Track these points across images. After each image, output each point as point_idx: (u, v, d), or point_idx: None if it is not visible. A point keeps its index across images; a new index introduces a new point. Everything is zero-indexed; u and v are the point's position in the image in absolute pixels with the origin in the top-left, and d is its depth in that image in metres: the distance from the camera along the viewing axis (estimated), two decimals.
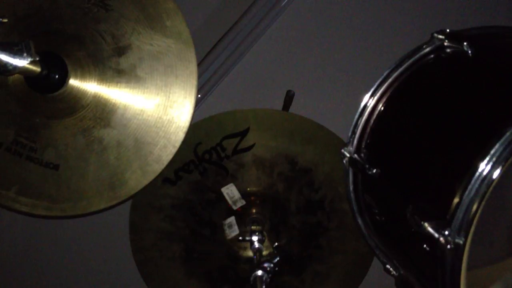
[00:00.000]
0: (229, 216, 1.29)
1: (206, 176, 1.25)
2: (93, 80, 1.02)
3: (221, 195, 1.26)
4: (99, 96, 1.02)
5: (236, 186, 1.26)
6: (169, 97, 1.03)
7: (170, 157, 1.04)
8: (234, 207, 1.28)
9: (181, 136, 1.04)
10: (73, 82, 1.02)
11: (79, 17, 1.01)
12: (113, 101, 1.03)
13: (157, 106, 1.03)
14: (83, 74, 1.02)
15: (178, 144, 1.04)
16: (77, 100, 1.02)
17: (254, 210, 1.29)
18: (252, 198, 1.28)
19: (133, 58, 1.02)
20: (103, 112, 1.03)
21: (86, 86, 1.02)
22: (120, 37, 1.01)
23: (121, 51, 1.02)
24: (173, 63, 1.02)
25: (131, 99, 1.03)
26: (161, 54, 1.02)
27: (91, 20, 1.01)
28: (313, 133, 1.23)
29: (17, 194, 1.04)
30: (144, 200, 1.27)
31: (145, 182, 1.05)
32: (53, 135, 1.03)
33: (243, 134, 1.22)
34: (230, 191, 1.26)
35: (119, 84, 1.02)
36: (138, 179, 1.05)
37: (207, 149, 1.23)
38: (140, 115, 1.03)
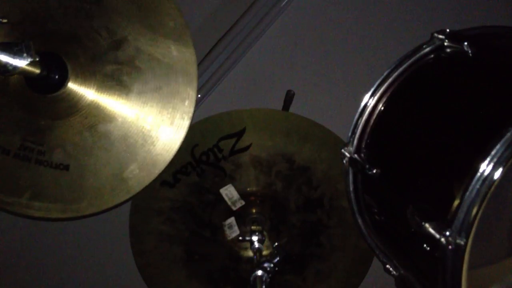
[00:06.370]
0: (229, 216, 1.29)
1: (204, 177, 1.25)
2: (93, 77, 1.02)
3: (220, 196, 1.26)
4: (101, 92, 1.02)
5: (235, 186, 1.26)
6: (170, 85, 1.02)
7: (177, 145, 1.04)
8: (234, 208, 1.27)
9: (186, 122, 1.03)
10: (74, 80, 1.01)
11: (73, 16, 1.01)
12: (115, 96, 1.03)
13: (160, 96, 1.03)
14: (83, 72, 1.02)
15: (185, 131, 1.03)
16: (80, 98, 1.02)
17: (253, 210, 1.29)
18: (251, 198, 1.28)
19: (130, 50, 1.02)
20: (106, 107, 1.02)
21: (87, 83, 1.02)
22: (115, 30, 1.01)
23: (117, 44, 1.01)
24: (171, 53, 1.02)
25: (133, 93, 1.03)
26: (157, 43, 1.02)
27: (85, 17, 1.01)
28: (309, 131, 1.23)
29: (30, 199, 1.03)
30: (143, 204, 1.27)
31: (157, 172, 1.04)
32: (59, 135, 1.03)
33: (240, 134, 1.22)
34: (229, 192, 1.26)
35: (120, 78, 1.02)
36: (149, 169, 1.04)
37: (204, 151, 1.23)
38: (143, 107, 1.03)
